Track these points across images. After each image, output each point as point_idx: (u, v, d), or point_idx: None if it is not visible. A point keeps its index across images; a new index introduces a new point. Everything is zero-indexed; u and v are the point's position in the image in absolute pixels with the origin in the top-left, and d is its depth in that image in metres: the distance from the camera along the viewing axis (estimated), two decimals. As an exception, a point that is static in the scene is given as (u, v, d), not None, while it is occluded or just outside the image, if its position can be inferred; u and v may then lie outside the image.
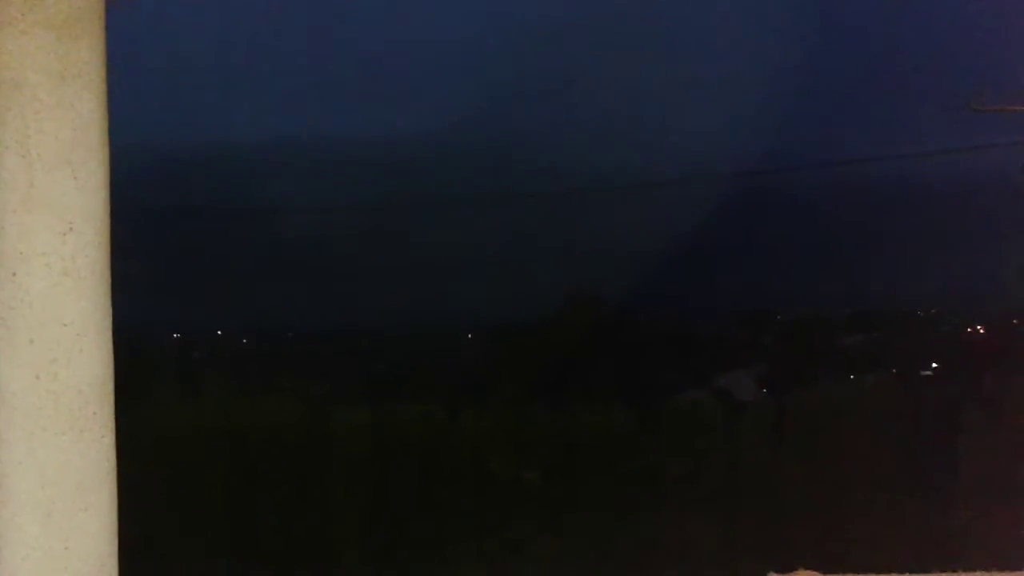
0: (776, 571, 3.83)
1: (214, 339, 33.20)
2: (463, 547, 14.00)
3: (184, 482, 14.06)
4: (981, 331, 31.60)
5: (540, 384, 20.50)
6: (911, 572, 3.77)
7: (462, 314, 30.04)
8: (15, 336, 3.51)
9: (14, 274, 3.52)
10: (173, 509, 13.67)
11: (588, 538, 14.10)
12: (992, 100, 11.59)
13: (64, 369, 3.54)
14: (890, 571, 3.77)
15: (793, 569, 3.75)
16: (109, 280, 3.72)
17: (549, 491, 15.39)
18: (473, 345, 28.88)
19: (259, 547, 13.49)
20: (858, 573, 3.74)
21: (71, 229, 3.56)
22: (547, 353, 22.96)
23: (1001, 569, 4.01)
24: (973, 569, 3.77)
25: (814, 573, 3.82)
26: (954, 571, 3.74)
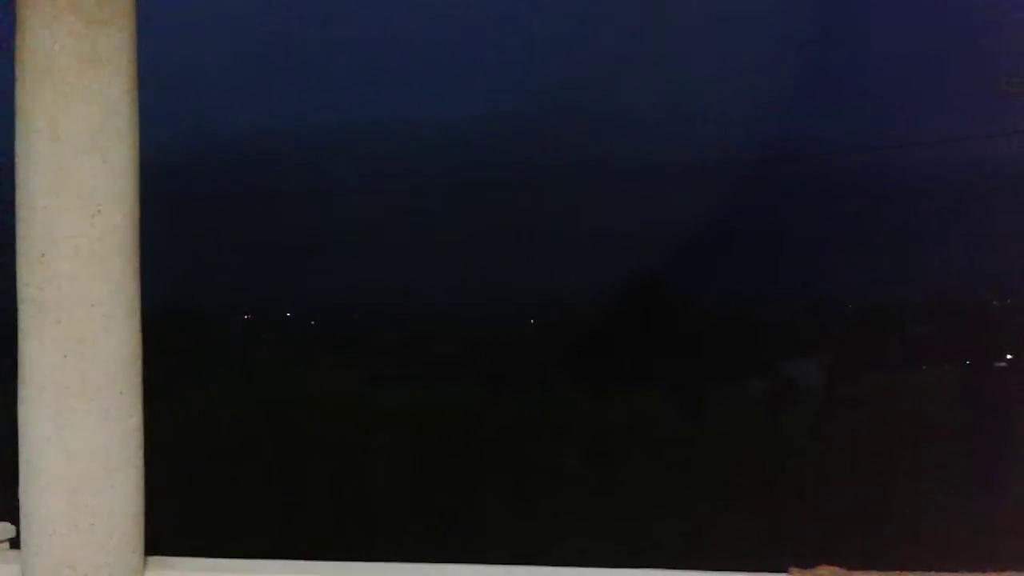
0: (798, 567, 3.76)
1: (283, 320, 33.60)
2: (499, 530, 14.01)
3: (236, 454, 14.35)
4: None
5: (594, 370, 20.37)
6: (940, 570, 3.68)
7: (523, 298, 30.04)
8: (43, 316, 3.58)
9: (43, 255, 3.58)
10: (228, 478, 13.97)
11: (623, 526, 14.02)
12: None
13: (91, 349, 3.59)
14: (917, 568, 3.69)
15: (816, 564, 3.68)
16: (137, 262, 3.76)
17: (589, 478, 15.34)
18: (532, 330, 28.86)
19: (295, 522, 13.68)
20: (883, 570, 3.67)
21: (99, 212, 3.61)
22: (602, 338, 22.82)
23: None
24: (1003, 569, 3.67)
25: (837, 569, 3.75)
26: (983, 571, 3.65)
